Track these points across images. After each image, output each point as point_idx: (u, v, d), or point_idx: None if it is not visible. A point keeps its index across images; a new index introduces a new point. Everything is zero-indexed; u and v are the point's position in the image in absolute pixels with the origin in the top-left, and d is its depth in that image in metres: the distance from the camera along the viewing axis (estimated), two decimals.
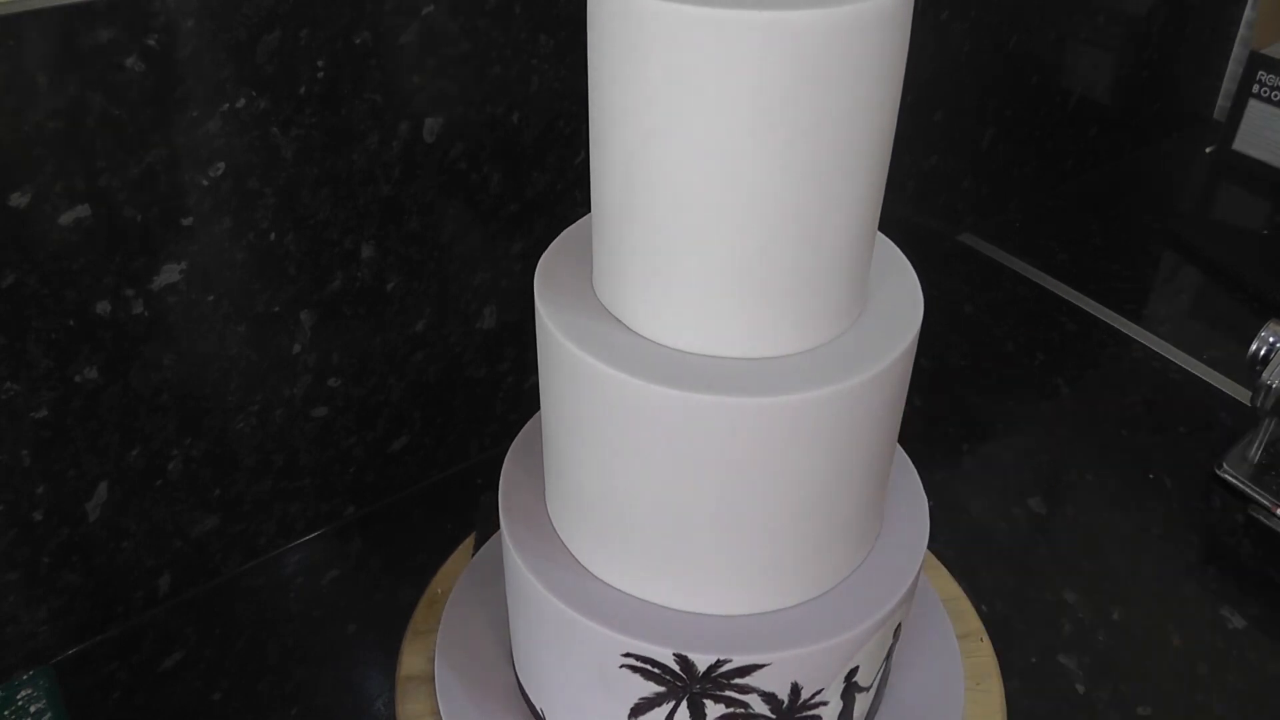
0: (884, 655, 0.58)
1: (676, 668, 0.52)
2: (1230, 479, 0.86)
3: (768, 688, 0.53)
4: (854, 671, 0.55)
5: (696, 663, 0.52)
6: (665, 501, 0.51)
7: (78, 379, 0.64)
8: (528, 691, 0.64)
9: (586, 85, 0.49)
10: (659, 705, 0.54)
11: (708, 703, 0.53)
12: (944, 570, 0.76)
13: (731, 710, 0.53)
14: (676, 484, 0.50)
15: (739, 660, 0.51)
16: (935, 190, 1.14)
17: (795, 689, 0.53)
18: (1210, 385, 0.98)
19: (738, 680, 0.52)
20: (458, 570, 0.75)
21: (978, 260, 1.17)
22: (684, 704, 0.54)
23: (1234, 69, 1.40)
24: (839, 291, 0.50)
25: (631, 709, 0.55)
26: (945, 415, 0.94)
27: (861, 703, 0.58)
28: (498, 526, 0.61)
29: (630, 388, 0.48)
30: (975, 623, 0.73)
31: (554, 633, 0.56)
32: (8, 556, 0.67)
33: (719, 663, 0.51)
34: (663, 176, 0.46)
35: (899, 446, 0.62)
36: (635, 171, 0.47)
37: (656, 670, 0.53)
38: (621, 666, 0.53)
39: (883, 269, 0.55)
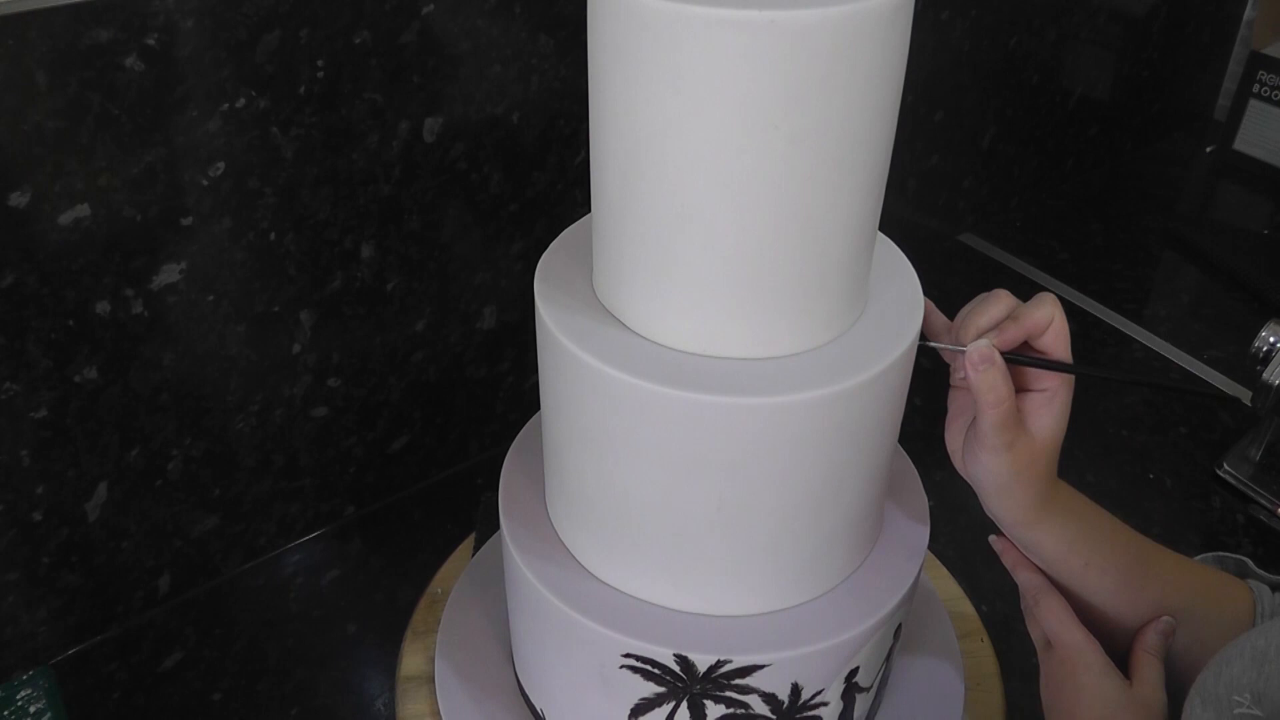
0: (884, 656, 0.58)
1: (677, 668, 0.52)
2: (1230, 479, 0.86)
3: (768, 688, 0.53)
4: (854, 672, 0.55)
5: (697, 663, 0.52)
6: (665, 502, 0.51)
7: (77, 379, 0.64)
8: (528, 691, 0.64)
9: (587, 85, 0.49)
10: (659, 705, 0.54)
11: (708, 703, 0.53)
12: (944, 570, 0.76)
13: (732, 711, 0.53)
14: (677, 484, 0.50)
15: (739, 660, 0.51)
16: (935, 190, 1.14)
17: (795, 689, 0.53)
18: (1210, 385, 0.98)
19: (738, 681, 0.52)
20: (458, 570, 0.75)
21: (978, 260, 1.17)
22: (684, 704, 0.54)
23: (1234, 69, 1.40)
24: (839, 292, 0.50)
25: (632, 709, 0.55)
26: (945, 415, 0.94)
27: (862, 703, 0.58)
28: (498, 526, 0.61)
29: (630, 388, 0.48)
30: (975, 623, 0.73)
31: (554, 633, 0.56)
32: (8, 556, 0.67)
33: (719, 663, 0.51)
34: (662, 177, 0.46)
35: (899, 447, 0.62)
36: (635, 172, 0.47)
37: (657, 671, 0.53)
38: (622, 667, 0.53)
39: (883, 269, 0.55)
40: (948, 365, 0.57)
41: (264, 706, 0.69)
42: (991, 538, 0.58)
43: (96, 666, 0.71)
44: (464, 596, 0.72)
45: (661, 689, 0.53)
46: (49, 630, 0.71)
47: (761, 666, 0.52)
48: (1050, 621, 0.55)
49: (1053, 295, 0.53)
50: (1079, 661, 0.53)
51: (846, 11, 0.41)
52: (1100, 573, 0.54)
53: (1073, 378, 0.53)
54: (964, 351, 0.51)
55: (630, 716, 0.55)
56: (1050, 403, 0.53)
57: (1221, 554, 0.61)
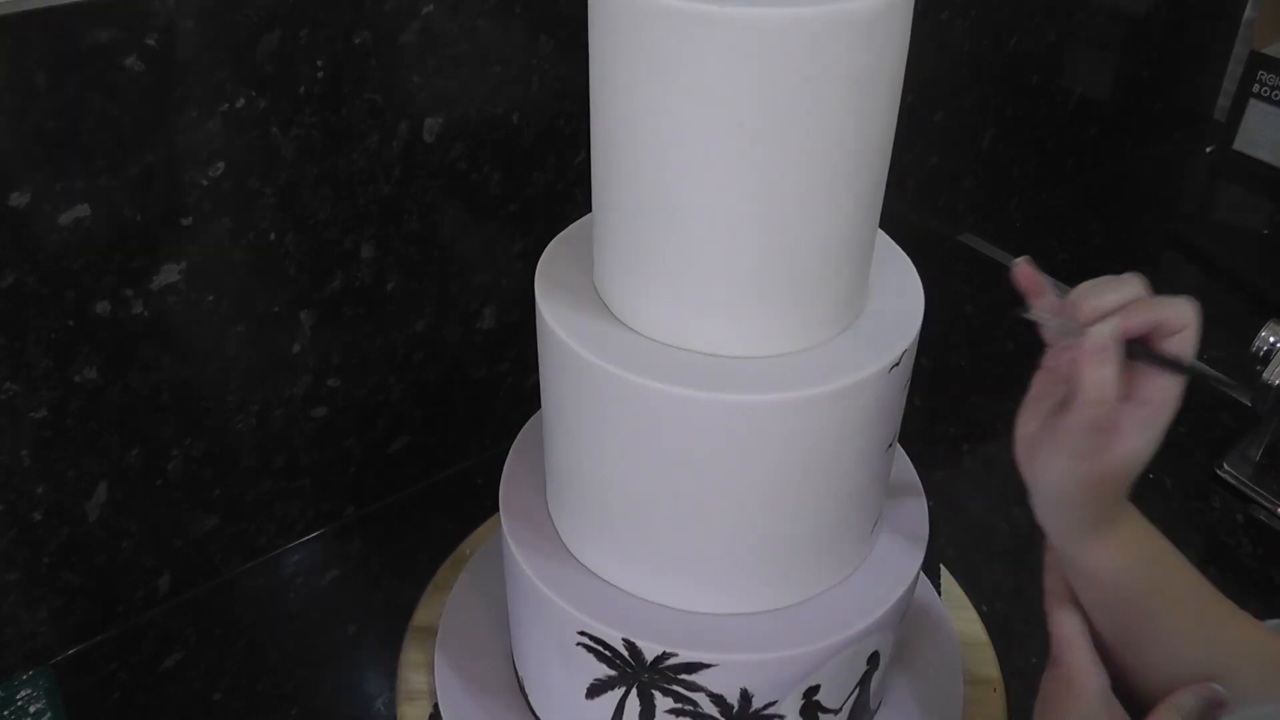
0: (855, 680, 0.57)
1: (625, 653, 0.53)
2: (1230, 479, 0.86)
3: (716, 689, 0.53)
4: (814, 690, 0.54)
5: (644, 651, 0.52)
6: (648, 494, 0.51)
7: (77, 379, 0.64)
8: (518, 666, 0.65)
9: (587, 85, 0.49)
10: (611, 689, 0.55)
11: (656, 694, 0.53)
12: (974, 614, 0.74)
13: (680, 706, 0.53)
14: (658, 477, 0.50)
15: (685, 655, 0.52)
16: (935, 190, 1.14)
17: (745, 695, 0.53)
18: (1210, 385, 0.97)
19: (685, 676, 0.52)
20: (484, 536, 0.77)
21: (978, 260, 1.17)
22: (634, 691, 0.54)
23: (1234, 69, 1.40)
24: (838, 291, 0.50)
25: (588, 688, 0.55)
26: (945, 415, 0.94)
27: None
28: None
29: (613, 380, 0.48)
30: (993, 670, 0.70)
31: (528, 607, 0.58)
32: (8, 556, 0.67)
33: (665, 655, 0.52)
34: (649, 173, 0.46)
35: (899, 447, 0.62)
36: (625, 167, 0.47)
37: (607, 653, 0.53)
38: (577, 645, 0.54)
39: (884, 268, 0.55)
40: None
41: (264, 706, 0.69)
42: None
43: (96, 666, 0.71)
44: (465, 596, 0.72)
45: (613, 672, 0.54)
46: (49, 630, 0.71)
47: (707, 665, 0.52)
48: (1060, 636, 0.50)
49: (1195, 302, 0.46)
50: (1076, 686, 0.48)
51: (819, 13, 0.41)
52: (1147, 615, 0.49)
53: (1174, 404, 0.46)
54: (1078, 334, 0.45)
55: (587, 695, 0.56)
56: (1148, 424, 0.46)
57: None
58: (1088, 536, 0.49)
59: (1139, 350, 0.46)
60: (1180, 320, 0.46)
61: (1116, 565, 0.49)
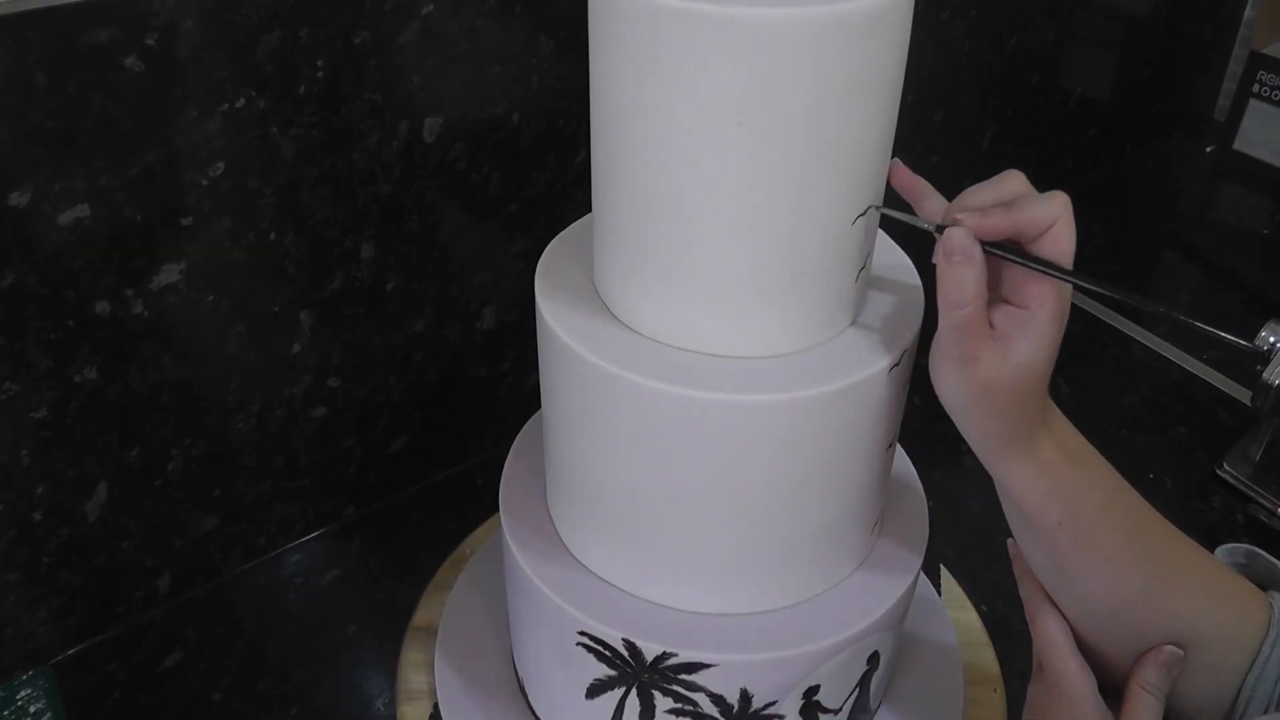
0: (855, 680, 0.57)
1: (625, 653, 0.53)
2: (1230, 479, 0.86)
3: (715, 689, 0.53)
4: (814, 690, 0.54)
5: (644, 651, 0.52)
6: (641, 493, 0.51)
7: (77, 379, 0.64)
8: (519, 668, 0.65)
9: (587, 85, 0.49)
10: (611, 689, 0.55)
11: (656, 694, 0.53)
12: (974, 614, 0.74)
13: (680, 706, 0.53)
14: (664, 478, 0.50)
15: (685, 655, 0.52)
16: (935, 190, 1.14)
17: (745, 695, 0.53)
18: (1210, 385, 0.97)
19: (685, 676, 0.52)
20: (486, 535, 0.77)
21: None
22: (634, 691, 0.54)
23: (1234, 69, 1.40)
24: (838, 291, 0.50)
25: (587, 689, 0.55)
26: (945, 415, 0.94)
27: None
28: None
29: (626, 384, 0.48)
30: (993, 671, 0.70)
31: (529, 607, 0.58)
32: (8, 556, 0.67)
33: (665, 655, 0.52)
34: (661, 177, 0.46)
35: (899, 447, 0.62)
36: (634, 172, 0.47)
37: (607, 653, 0.53)
38: (577, 644, 0.54)
39: (885, 268, 0.55)
40: None
41: (264, 706, 0.69)
42: (1008, 541, 0.53)
43: (96, 666, 0.71)
44: (464, 595, 0.72)
45: (613, 672, 0.54)
46: (49, 630, 0.71)
47: (707, 665, 0.52)
48: (1043, 642, 0.50)
49: (1065, 196, 0.44)
50: (1066, 691, 0.48)
51: (819, 13, 0.41)
52: (1074, 540, 0.47)
53: (1062, 305, 0.44)
54: (939, 233, 0.44)
55: (587, 695, 0.56)
56: (1025, 326, 0.44)
57: (1233, 545, 0.53)
58: (1000, 455, 0.47)
59: (1004, 252, 0.44)
60: (1044, 218, 0.43)
61: (1032, 486, 0.47)
